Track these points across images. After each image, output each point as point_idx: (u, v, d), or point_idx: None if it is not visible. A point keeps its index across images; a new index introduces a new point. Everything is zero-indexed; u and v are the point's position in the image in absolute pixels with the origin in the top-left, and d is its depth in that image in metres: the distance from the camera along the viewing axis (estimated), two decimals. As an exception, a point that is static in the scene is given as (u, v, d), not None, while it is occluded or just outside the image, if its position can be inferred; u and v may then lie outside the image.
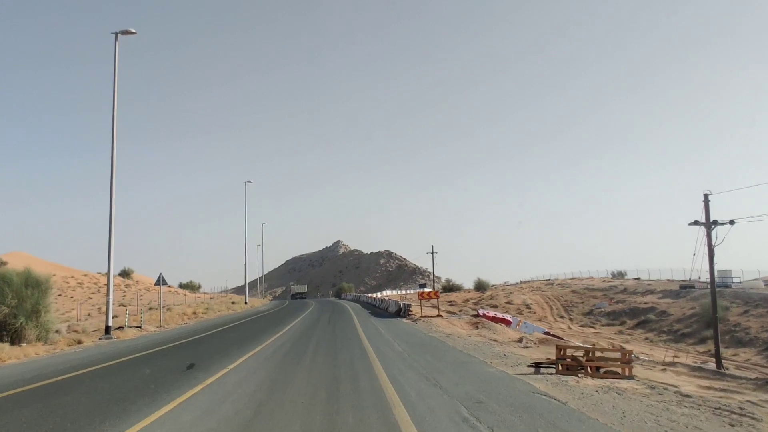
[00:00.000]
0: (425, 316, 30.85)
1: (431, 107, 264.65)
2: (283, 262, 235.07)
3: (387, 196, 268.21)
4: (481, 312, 35.79)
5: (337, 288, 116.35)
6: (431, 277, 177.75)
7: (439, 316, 31.27)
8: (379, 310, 42.84)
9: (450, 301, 69.32)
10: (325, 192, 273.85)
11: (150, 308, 55.86)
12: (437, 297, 33.66)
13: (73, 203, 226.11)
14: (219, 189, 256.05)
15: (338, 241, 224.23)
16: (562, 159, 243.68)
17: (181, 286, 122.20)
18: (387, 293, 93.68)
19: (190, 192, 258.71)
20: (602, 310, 60.78)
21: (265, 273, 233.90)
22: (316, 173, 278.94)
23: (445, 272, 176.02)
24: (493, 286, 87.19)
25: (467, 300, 70.55)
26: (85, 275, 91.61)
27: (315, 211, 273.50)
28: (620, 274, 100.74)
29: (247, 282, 61.42)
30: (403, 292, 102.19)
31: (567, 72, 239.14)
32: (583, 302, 67.33)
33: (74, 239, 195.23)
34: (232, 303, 61.91)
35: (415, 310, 34.38)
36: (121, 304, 62.08)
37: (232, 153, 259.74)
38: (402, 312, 33.81)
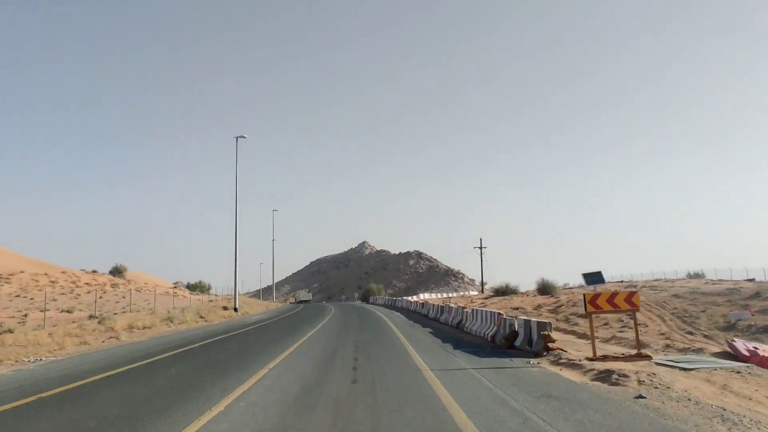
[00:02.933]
0: (611, 358, 11.26)
1: (457, 101, 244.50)
2: (308, 263, 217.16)
3: (415, 195, 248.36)
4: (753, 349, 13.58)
5: (364, 290, 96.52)
6: (465, 279, 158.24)
7: (643, 357, 11.45)
8: (448, 329, 23.23)
9: (517, 308, 49.65)
10: (350, 192, 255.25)
11: (93, 317, 37.47)
12: (636, 307, 12.68)
13: (63, 200, 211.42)
14: (243, 190, 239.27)
15: (364, 242, 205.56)
16: (587, 155, 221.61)
17: (188, 287, 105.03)
18: (426, 296, 74.05)
19: (210, 192, 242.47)
20: (750, 322, 40.54)
21: (289, 274, 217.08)
22: (342, 173, 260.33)
23: (477, 274, 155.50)
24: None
25: (539, 306, 50.50)
26: (63, 272, 74.37)
27: (340, 211, 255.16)
28: (697, 275, 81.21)
29: (237, 279, 42.49)
30: (444, 295, 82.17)
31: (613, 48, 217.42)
32: (703, 311, 46.93)
33: (64, 237, 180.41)
34: (224, 308, 43.32)
35: (558, 338, 14.44)
36: (66, 311, 44.00)
37: (257, 153, 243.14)
38: (527, 342, 13.85)
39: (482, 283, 74.20)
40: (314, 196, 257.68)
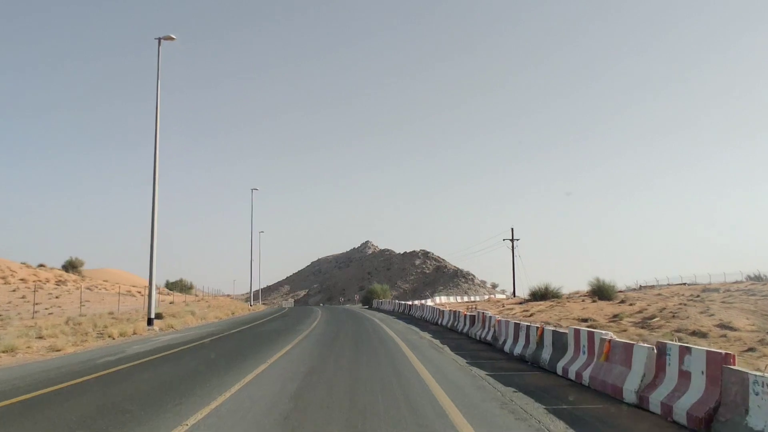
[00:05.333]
0: None
1: (468, 97, 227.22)
2: (309, 263, 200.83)
3: (421, 194, 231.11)
4: None
5: (366, 292, 78.06)
6: (475, 280, 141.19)
7: None
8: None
9: (584, 319, 32.78)
10: (354, 190, 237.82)
11: None
12: None
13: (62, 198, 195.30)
14: (243, 187, 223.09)
15: (367, 242, 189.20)
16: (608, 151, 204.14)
17: (167, 285, 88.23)
18: (443, 300, 57.07)
19: (213, 192, 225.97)
20: None
21: (288, 275, 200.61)
22: (346, 171, 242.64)
23: (490, 276, 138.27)
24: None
25: (616, 317, 33.57)
26: (-8, 266, 57.95)
27: (343, 210, 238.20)
28: (757, 278, 64.73)
29: (153, 271, 24.48)
30: (465, 299, 64.95)
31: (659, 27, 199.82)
32: None
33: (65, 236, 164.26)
34: (148, 319, 26.63)
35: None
36: None
37: (258, 151, 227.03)
38: None
39: (514, 285, 56.90)
40: (316, 194, 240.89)
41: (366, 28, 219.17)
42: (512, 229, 54.72)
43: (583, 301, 45.02)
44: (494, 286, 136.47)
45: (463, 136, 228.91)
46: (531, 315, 37.56)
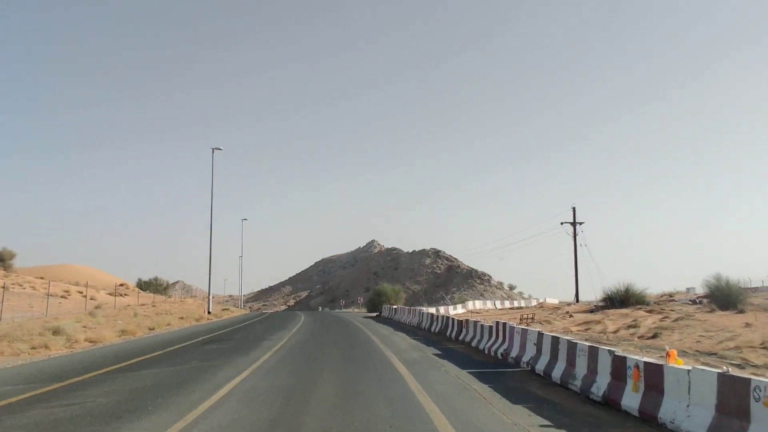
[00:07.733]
0: None
1: (476, 93, 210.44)
2: (312, 263, 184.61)
3: (430, 191, 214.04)
4: None
5: (373, 293, 58.38)
6: (491, 281, 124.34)
7: None
8: None
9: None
10: (359, 189, 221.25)
11: None
12: None
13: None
14: (244, 186, 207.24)
15: (373, 241, 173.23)
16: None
17: (139, 284, 71.81)
18: (477, 305, 40.34)
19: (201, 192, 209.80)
20: None
21: (291, 275, 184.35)
22: (350, 170, 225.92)
23: (505, 278, 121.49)
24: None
25: None
26: None
27: (348, 210, 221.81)
28: None
29: None
30: (505, 305, 48.10)
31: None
32: None
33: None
34: None
35: None
36: None
37: (258, 149, 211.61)
38: None
39: (577, 284, 39.85)
40: (320, 194, 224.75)
41: (379, 25, 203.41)
42: (573, 209, 38.21)
43: (712, 311, 28.18)
44: (511, 287, 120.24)
45: (470, 134, 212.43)
46: (653, 336, 20.86)
